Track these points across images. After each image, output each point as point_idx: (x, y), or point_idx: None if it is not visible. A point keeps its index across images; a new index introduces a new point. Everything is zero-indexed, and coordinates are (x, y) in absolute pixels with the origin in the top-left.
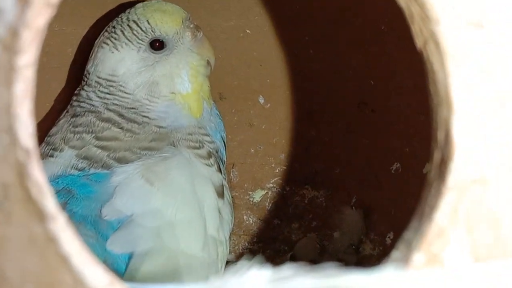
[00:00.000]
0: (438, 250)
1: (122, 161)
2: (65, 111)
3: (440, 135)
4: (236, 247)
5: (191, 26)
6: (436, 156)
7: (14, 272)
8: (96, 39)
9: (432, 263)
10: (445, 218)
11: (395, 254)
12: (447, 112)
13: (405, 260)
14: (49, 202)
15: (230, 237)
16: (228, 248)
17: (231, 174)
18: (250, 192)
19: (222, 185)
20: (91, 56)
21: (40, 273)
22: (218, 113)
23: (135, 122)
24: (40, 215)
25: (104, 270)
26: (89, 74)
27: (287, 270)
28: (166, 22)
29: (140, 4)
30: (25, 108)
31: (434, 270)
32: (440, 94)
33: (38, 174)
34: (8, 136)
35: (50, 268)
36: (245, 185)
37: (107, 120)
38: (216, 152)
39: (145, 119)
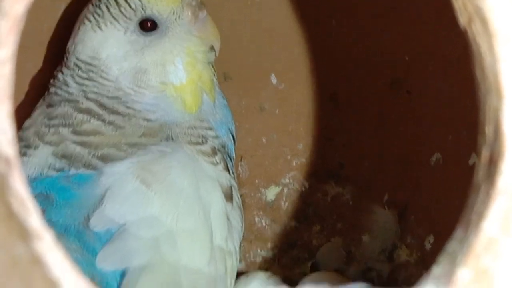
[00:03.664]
0: (487, 265)
1: (106, 159)
2: (42, 98)
3: (488, 129)
4: (247, 255)
5: (193, 3)
6: (484, 154)
7: None
8: (80, 13)
9: (481, 279)
10: (495, 227)
11: (437, 269)
12: (497, 102)
13: (449, 276)
14: (34, 219)
15: (240, 246)
16: (238, 259)
17: (240, 168)
18: (263, 189)
19: (231, 186)
20: (72, 32)
21: None
22: (226, 103)
23: (118, 113)
24: (24, 234)
25: None
26: (68, 54)
27: None
28: None
29: None
30: (3, 110)
31: (483, 287)
32: (489, 81)
33: (20, 187)
34: None
35: None
36: (256, 181)
37: (86, 111)
38: (223, 147)
39: (129, 111)
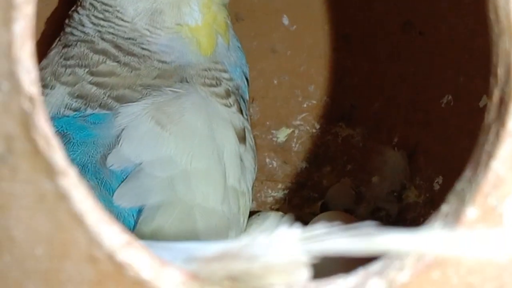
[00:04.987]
0: (495, 203)
1: (122, 100)
2: (58, 39)
3: (500, 71)
4: (258, 195)
5: None
6: (496, 95)
7: (22, 233)
8: None
9: (488, 217)
10: (504, 166)
11: (445, 207)
12: (509, 44)
13: (457, 215)
14: (59, 156)
15: (252, 187)
16: (251, 199)
17: (251, 110)
18: (274, 131)
19: (244, 128)
20: None
21: (51, 233)
22: (240, 45)
23: (133, 55)
24: (49, 170)
25: (121, 229)
26: None
27: (319, 229)
28: None
29: None
30: (26, 50)
31: (490, 225)
32: (501, 22)
33: (44, 125)
34: (9, 83)
35: (62, 228)
36: (267, 122)
37: (102, 52)
38: (237, 90)
39: (145, 52)
